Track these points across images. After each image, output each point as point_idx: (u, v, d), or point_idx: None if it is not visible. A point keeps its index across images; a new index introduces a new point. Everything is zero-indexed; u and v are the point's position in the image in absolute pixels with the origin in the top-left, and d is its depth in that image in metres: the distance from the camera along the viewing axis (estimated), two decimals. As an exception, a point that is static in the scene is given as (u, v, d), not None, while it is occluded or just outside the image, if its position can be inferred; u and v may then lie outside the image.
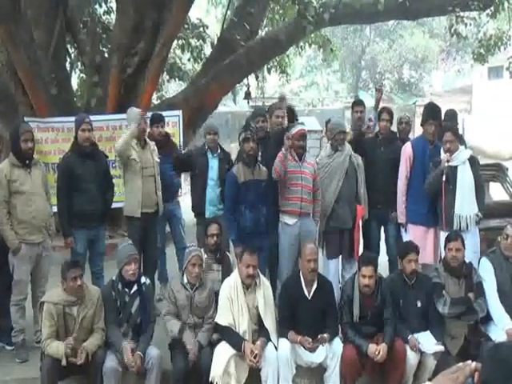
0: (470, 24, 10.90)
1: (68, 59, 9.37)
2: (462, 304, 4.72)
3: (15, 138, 4.82)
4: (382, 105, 6.04)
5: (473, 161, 5.41)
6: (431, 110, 5.71)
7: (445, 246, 4.91)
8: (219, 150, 5.88)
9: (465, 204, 5.28)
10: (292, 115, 6.04)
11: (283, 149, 5.08)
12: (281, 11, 11.32)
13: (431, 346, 4.55)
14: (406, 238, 5.62)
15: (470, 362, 1.91)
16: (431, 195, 5.43)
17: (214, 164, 5.79)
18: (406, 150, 5.63)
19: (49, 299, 4.29)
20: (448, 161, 5.26)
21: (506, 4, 9.99)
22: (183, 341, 4.40)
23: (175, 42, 9.23)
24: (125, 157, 5.42)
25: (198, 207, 5.78)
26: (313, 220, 5.40)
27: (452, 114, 6.51)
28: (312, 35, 10.57)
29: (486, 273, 4.89)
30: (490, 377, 1.81)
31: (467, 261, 4.90)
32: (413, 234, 5.54)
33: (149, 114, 6.16)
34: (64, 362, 4.08)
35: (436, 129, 5.56)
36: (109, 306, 4.43)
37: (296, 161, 5.31)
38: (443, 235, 5.25)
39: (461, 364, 1.91)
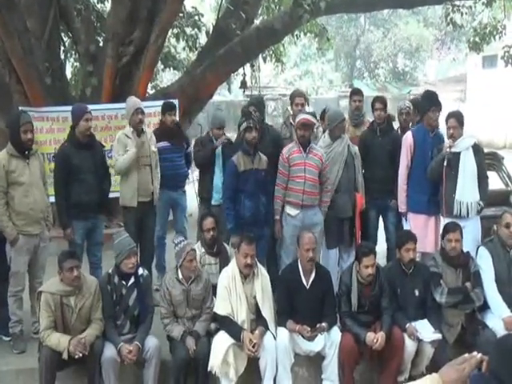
0: (466, 13, 10.87)
1: (62, 48, 9.27)
2: (459, 293, 4.76)
3: (15, 129, 4.77)
4: (372, 94, 6.02)
5: (477, 149, 5.39)
6: (432, 98, 5.68)
7: (443, 236, 4.93)
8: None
9: (466, 191, 5.28)
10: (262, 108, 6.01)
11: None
12: (276, 0, 11.24)
13: (429, 334, 4.58)
14: (406, 226, 5.64)
15: (475, 353, 1.92)
16: (433, 181, 5.43)
17: (219, 152, 5.85)
18: (407, 138, 5.62)
19: (46, 289, 4.27)
20: (450, 147, 5.27)
21: (501, -8, 10.00)
22: (186, 344, 4.37)
23: (170, 30, 9.15)
24: (122, 146, 5.41)
25: (202, 193, 5.83)
26: (319, 211, 5.37)
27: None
28: (308, 24, 10.50)
29: (484, 262, 4.91)
30: (498, 367, 1.82)
31: (465, 250, 4.92)
32: (413, 222, 5.56)
33: (145, 104, 6.12)
34: (65, 356, 4.07)
35: (439, 115, 5.56)
36: (105, 299, 4.41)
37: (301, 152, 5.28)
38: (443, 222, 5.27)
39: (467, 355, 1.93)
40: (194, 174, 8.33)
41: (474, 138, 5.56)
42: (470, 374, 1.89)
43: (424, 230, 5.45)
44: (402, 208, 5.65)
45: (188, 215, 6.63)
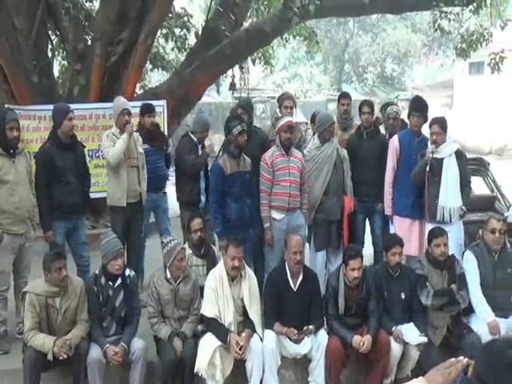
0: (453, 19, 10.97)
1: (50, 46, 9.20)
2: (444, 295, 4.79)
3: (0, 127, 4.70)
4: (361, 98, 6.08)
5: (460, 155, 5.45)
6: (415, 103, 5.78)
7: (429, 241, 4.95)
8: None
9: (449, 196, 5.33)
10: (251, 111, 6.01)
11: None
12: (266, 2, 11.26)
13: (415, 337, 4.60)
14: (391, 229, 5.68)
15: (462, 357, 1.93)
16: (416, 186, 5.47)
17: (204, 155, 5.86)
18: (393, 142, 5.69)
19: (31, 290, 4.23)
20: (433, 152, 5.31)
21: (488, 0, 10.07)
22: (173, 345, 4.36)
23: (159, 31, 9.12)
24: (111, 142, 5.39)
25: (188, 197, 5.78)
26: (301, 213, 5.39)
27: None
28: (297, 27, 10.54)
29: (470, 265, 4.95)
30: (485, 371, 1.82)
31: (450, 253, 4.95)
32: (398, 225, 5.60)
33: (132, 104, 6.08)
34: (50, 357, 4.03)
35: (419, 121, 5.60)
36: (91, 300, 4.38)
37: (284, 155, 5.28)
38: (428, 227, 5.30)
39: (453, 359, 1.93)
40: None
41: (457, 144, 5.63)
42: (456, 378, 1.89)
43: (409, 234, 5.49)
44: (388, 211, 5.69)
45: (176, 216, 6.60)
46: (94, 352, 4.20)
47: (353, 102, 6.58)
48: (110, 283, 4.41)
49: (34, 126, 7.21)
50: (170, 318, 4.54)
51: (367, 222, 6.04)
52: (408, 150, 5.60)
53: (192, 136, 5.95)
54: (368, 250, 5.88)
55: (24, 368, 4.11)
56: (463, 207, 5.36)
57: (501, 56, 10.76)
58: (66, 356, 4.04)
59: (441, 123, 5.43)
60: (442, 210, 5.31)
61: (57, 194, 5.07)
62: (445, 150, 5.37)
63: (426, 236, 5.10)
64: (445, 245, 4.81)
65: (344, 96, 6.45)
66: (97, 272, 4.47)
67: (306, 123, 6.12)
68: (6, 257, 4.77)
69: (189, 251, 4.93)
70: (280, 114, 5.94)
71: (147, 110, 5.99)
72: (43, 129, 7.04)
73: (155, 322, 4.49)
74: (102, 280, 4.40)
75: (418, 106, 5.70)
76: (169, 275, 4.53)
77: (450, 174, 5.35)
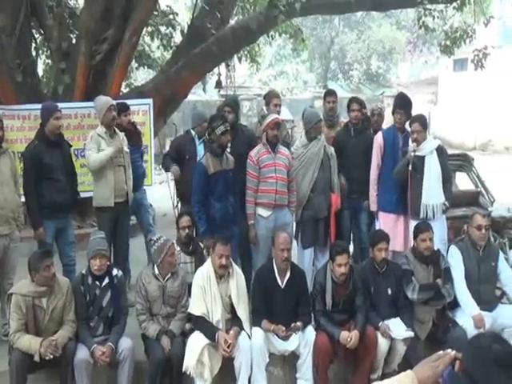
0: (437, 17, 11.05)
1: (34, 45, 9.12)
2: (430, 289, 4.83)
3: None
4: (347, 95, 6.10)
5: (440, 151, 5.49)
6: (399, 100, 5.82)
7: (415, 236, 4.99)
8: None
9: (431, 194, 5.38)
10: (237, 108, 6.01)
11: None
12: (252, 0, 11.25)
13: (401, 332, 4.64)
14: (377, 226, 5.72)
15: (449, 350, 1.95)
16: (400, 184, 5.51)
17: (201, 149, 5.85)
18: (378, 139, 5.73)
19: (17, 291, 4.18)
20: (415, 151, 5.36)
21: (472, -3, 10.20)
22: (161, 343, 4.35)
23: (144, 29, 9.08)
24: (96, 145, 5.34)
25: (186, 193, 5.77)
26: (289, 211, 5.40)
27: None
28: (283, 25, 10.55)
29: (455, 260, 5.00)
30: (472, 365, 1.84)
31: (435, 248, 5.00)
32: (383, 221, 5.64)
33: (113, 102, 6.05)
34: (37, 358, 4.00)
35: (403, 118, 5.64)
36: (78, 300, 4.34)
37: (270, 152, 5.29)
38: (412, 224, 5.35)
39: (441, 352, 1.95)
40: (168, 173, 8.29)
41: (438, 141, 5.67)
42: (443, 372, 1.91)
43: (394, 229, 5.52)
44: (373, 207, 5.73)
45: (162, 215, 6.62)
46: (81, 352, 4.17)
47: (339, 99, 6.59)
48: (97, 283, 4.39)
49: (18, 125, 7.14)
50: (157, 315, 4.53)
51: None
52: (392, 146, 5.64)
53: (191, 131, 6.01)
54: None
55: (10, 370, 4.07)
56: (446, 202, 5.41)
57: (484, 53, 10.88)
58: (52, 356, 4.01)
59: (421, 121, 5.48)
60: (426, 208, 5.37)
61: (46, 191, 5.05)
62: (426, 148, 5.42)
63: (412, 232, 5.15)
64: (430, 239, 4.87)
65: (330, 93, 6.46)
66: (83, 272, 4.44)
67: (293, 121, 6.13)
68: (-10, 258, 4.71)
69: (177, 248, 4.92)
70: (266, 112, 5.95)
71: (123, 109, 5.97)
72: (28, 128, 6.98)
73: (143, 319, 4.48)
74: (89, 280, 4.38)
75: (402, 103, 5.73)
76: (157, 272, 4.53)
77: (432, 171, 5.39)
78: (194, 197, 5.17)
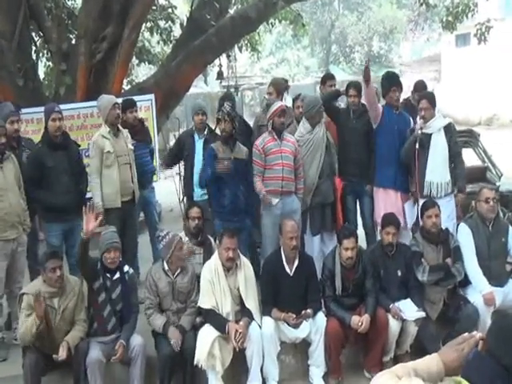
0: (439, -8, 10.95)
1: (34, 48, 9.14)
2: (440, 270, 4.83)
3: None
4: (349, 78, 6.08)
5: (448, 129, 5.44)
6: (392, 78, 5.79)
7: (422, 215, 4.98)
8: (206, 132, 5.91)
9: (436, 172, 5.35)
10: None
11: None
12: (249, -12, 11.18)
13: (412, 313, 4.65)
14: (375, 202, 5.69)
15: (475, 333, 1.95)
16: (406, 162, 5.50)
17: (199, 146, 5.83)
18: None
19: (29, 291, 4.22)
20: (422, 128, 5.33)
21: (472, -30, 10.06)
22: (168, 336, 4.37)
23: (143, 24, 9.07)
24: (99, 150, 5.35)
25: (187, 190, 5.79)
26: (296, 198, 5.39)
27: (422, 85, 6.56)
28: (282, 11, 10.49)
29: (465, 238, 4.99)
30: (495, 345, 1.84)
31: (443, 227, 5.00)
32: (382, 197, 5.62)
33: (119, 100, 6.08)
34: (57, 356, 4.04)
35: (399, 94, 5.64)
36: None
37: (275, 139, 5.28)
38: (420, 202, 5.33)
39: (466, 335, 1.95)
40: (174, 168, 8.33)
41: (448, 119, 5.61)
42: (469, 354, 1.90)
43: (391, 205, 5.50)
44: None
45: (169, 210, 6.66)
46: (94, 352, 4.20)
47: (341, 82, 6.56)
48: (108, 275, 4.42)
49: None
50: (167, 310, 4.55)
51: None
52: (388, 123, 5.59)
53: (193, 126, 6.02)
54: (360, 231, 5.91)
55: (24, 373, 4.11)
56: (451, 184, 5.38)
57: (487, 26, 10.74)
58: (63, 357, 4.05)
59: (429, 98, 5.44)
60: (430, 186, 5.35)
61: (50, 195, 5.07)
62: (433, 125, 5.38)
63: (419, 210, 5.12)
64: (436, 216, 4.85)
65: (329, 77, 6.43)
66: (97, 260, 4.46)
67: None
68: (-2, 263, 4.74)
69: (185, 239, 4.94)
70: (269, 100, 5.97)
71: (129, 106, 5.97)
72: (31, 132, 7.00)
73: (151, 313, 4.50)
74: (102, 271, 4.41)
75: (395, 80, 5.72)
76: (166, 267, 4.55)
77: (438, 149, 5.36)
78: (203, 177, 5.24)
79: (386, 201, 5.56)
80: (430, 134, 5.37)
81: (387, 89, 5.66)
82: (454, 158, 5.44)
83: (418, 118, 5.56)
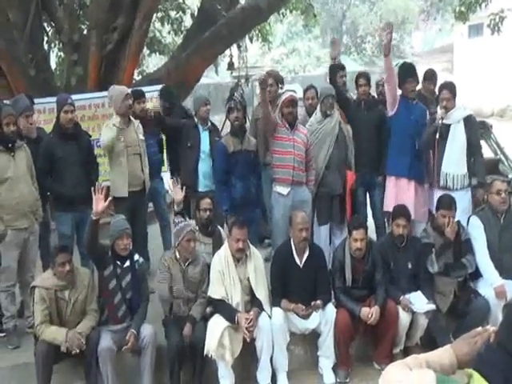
0: (451, -18, 10.83)
1: (45, 38, 9.17)
2: (446, 250, 4.79)
3: None
4: (360, 69, 6.05)
5: (468, 121, 5.39)
6: (408, 69, 5.75)
7: (437, 208, 4.95)
8: (209, 123, 5.90)
9: (452, 163, 5.32)
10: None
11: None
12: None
13: (422, 305, 4.64)
14: (386, 191, 5.67)
15: (488, 326, 1.94)
16: (425, 152, 5.48)
17: (205, 136, 5.80)
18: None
19: (40, 284, 4.25)
20: (442, 118, 5.29)
21: (486, -41, 9.94)
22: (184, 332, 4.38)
23: (154, 14, 9.06)
24: (110, 141, 5.38)
25: (190, 181, 5.76)
26: (307, 188, 5.39)
27: (431, 74, 6.50)
28: (293, 1, 10.43)
29: (476, 230, 4.96)
30: (507, 337, 1.83)
31: (456, 220, 4.96)
32: (394, 185, 5.58)
33: (129, 91, 6.08)
34: (63, 349, 4.08)
35: (415, 84, 5.61)
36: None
37: (287, 128, 5.27)
38: (436, 193, 5.33)
39: (480, 329, 1.94)
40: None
41: (469, 111, 5.54)
42: (481, 348, 1.89)
43: (404, 194, 5.47)
44: None
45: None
46: (105, 341, 4.23)
47: (352, 73, 6.52)
48: (119, 263, 4.43)
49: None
50: (178, 299, 4.55)
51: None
52: (405, 111, 5.56)
53: (195, 118, 5.98)
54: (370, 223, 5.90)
55: (36, 361, 4.15)
56: (466, 174, 5.33)
57: (500, 16, 10.60)
58: (78, 351, 4.09)
59: (451, 88, 5.39)
60: (446, 177, 5.32)
61: (61, 185, 5.10)
62: (453, 116, 5.33)
63: (435, 202, 5.10)
64: (451, 217, 4.79)
65: (340, 68, 6.39)
66: (108, 248, 4.48)
67: (300, 99, 6.15)
68: (10, 252, 4.77)
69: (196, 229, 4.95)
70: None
71: (137, 96, 5.95)
72: (43, 122, 7.04)
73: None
74: (112, 258, 4.43)
75: (411, 71, 5.67)
76: (178, 256, 4.56)
77: (456, 140, 5.31)
78: (215, 176, 5.25)
79: (398, 190, 5.53)
80: (449, 125, 5.32)
81: (403, 79, 5.62)
82: (474, 152, 5.39)
83: (430, 108, 5.53)
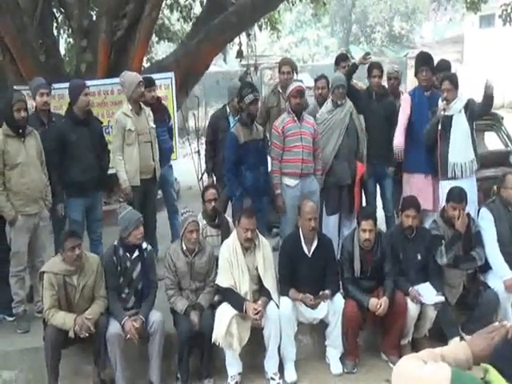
0: (463, -28, 10.72)
1: (55, 24, 9.16)
2: (454, 243, 4.75)
3: (8, 108, 4.70)
4: (371, 59, 6.00)
5: (467, 106, 5.34)
6: (422, 58, 5.73)
7: (447, 200, 4.91)
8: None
9: (459, 152, 5.28)
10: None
11: None
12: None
13: (431, 297, 4.61)
14: (404, 188, 5.65)
15: (506, 322, 1.92)
16: (428, 144, 5.44)
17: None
18: (406, 99, 5.67)
19: (49, 269, 4.26)
20: (444, 109, 5.26)
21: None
22: (190, 318, 4.38)
23: (164, 1, 9.01)
24: (121, 128, 5.38)
25: (218, 172, 5.78)
26: (315, 179, 5.38)
27: (445, 65, 6.45)
28: (303, -11, 10.39)
29: (486, 223, 4.93)
30: None
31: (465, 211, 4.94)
32: (412, 181, 5.58)
33: (141, 78, 6.06)
34: (71, 334, 4.10)
35: (428, 74, 5.56)
36: (110, 271, 4.40)
37: (295, 121, 5.25)
38: (442, 184, 5.30)
39: (497, 324, 1.92)
40: (192, 146, 8.31)
41: (466, 99, 5.49)
42: (498, 343, 1.87)
43: (424, 190, 5.46)
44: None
45: (188, 188, 6.66)
46: (113, 327, 4.24)
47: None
48: (128, 255, 4.44)
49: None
50: (186, 289, 4.57)
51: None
52: (419, 106, 5.55)
53: (226, 107, 6.00)
54: (380, 214, 5.87)
55: (45, 346, 4.18)
56: (474, 160, 5.31)
57: (512, 7, 10.53)
58: (87, 335, 4.11)
59: (452, 79, 5.36)
60: (454, 167, 5.29)
61: (72, 170, 5.10)
62: (454, 107, 5.31)
63: (444, 195, 5.06)
64: (461, 210, 4.76)
65: (343, 59, 6.36)
66: (115, 243, 4.49)
67: (310, 88, 6.11)
68: (21, 237, 4.80)
69: (203, 222, 4.95)
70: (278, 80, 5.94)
71: (148, 84, 5.93)
72: (53, 108, 7.05)
73: (172, 294, 4.52)
74: (121, 251, 4.43)
75: (425, 59, 5.65)
76: (184, 247, 4.56)
77: (459, 130, 5.29)
78: (226, 166, 5.22)
79: (416, 185, 5.51)
80: (451, 116, 5.29)
81: (416, 69, 5.62)
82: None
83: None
